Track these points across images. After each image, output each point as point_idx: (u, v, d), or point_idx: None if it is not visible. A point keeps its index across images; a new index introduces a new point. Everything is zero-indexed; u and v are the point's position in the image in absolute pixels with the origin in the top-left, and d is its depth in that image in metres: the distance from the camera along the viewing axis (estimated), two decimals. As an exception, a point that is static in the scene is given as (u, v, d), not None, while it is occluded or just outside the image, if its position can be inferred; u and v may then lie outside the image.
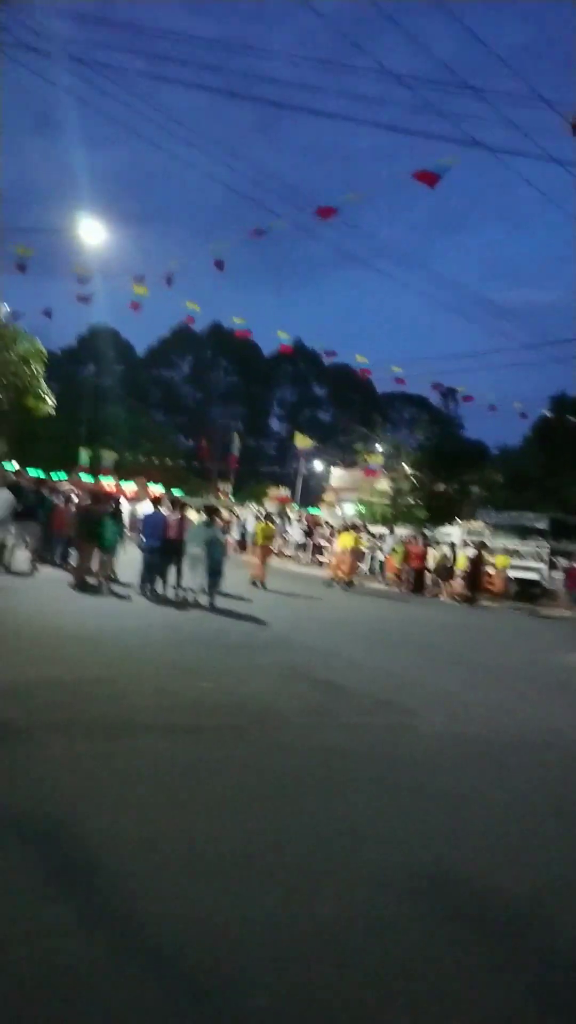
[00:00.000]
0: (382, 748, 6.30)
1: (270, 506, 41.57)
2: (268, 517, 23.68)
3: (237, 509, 38.19)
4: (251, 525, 33.27)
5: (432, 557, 23.98)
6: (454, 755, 6.40)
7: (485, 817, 5.06)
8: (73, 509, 17.31)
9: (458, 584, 23.47)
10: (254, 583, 18.52)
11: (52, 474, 26.96)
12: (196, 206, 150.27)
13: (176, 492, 43.90)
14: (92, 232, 20.60)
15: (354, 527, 26.49)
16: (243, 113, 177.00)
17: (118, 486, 35.86)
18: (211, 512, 16.19)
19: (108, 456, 50.38)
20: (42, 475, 24.02)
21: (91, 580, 14.19)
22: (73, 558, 17.29)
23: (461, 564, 23.64)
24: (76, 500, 18.08)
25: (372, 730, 6.82)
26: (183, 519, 15.26)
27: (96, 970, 2.84)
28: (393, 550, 25.53)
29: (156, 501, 15.99)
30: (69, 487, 21.06)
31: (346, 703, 7.70)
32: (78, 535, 14.98)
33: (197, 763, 5.38)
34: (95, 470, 48.69)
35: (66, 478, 28.64)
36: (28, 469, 35.95)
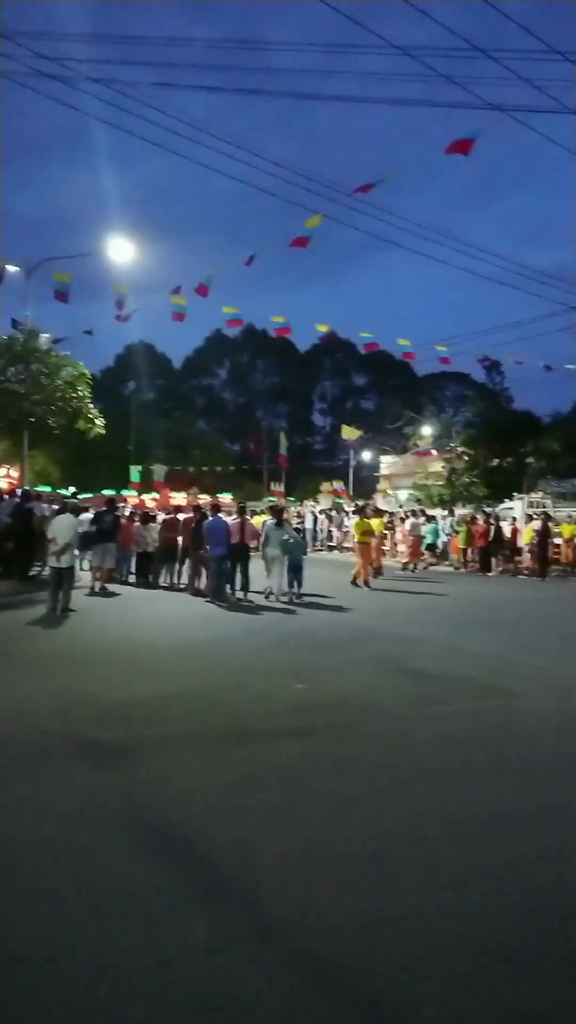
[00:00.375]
0: (496, 732, 6.18)
1: (324, 501, 41.48)
2: (361, 510, 20.81)
3: (298, 507, 38.19)
4: (309, 522, 33.32)
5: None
6: (567, 732, 6.24)
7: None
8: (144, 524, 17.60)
9: (525, 558, 23.10)
10: (355, 583, 17.27)
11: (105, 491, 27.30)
12: (222, 210, 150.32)
13: (226, 496, 44.19)
14: (122, 251, 20.85)
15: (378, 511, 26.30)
16: (258, 110, 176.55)
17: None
18: (278, 512, 16.33)
19: (159, 470, 50.83)
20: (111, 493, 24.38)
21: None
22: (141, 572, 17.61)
23: (528, 538, 23.22)
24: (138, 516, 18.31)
25: (482, 715, 6.70)
26: (244, 523, 15.28)
27: (255, 989, 2.79)
28: (455, 530, 25.19)
29: (216, 508, 16.01)
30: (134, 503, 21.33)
31: (448, 690, 7.59)
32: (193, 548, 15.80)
33: (314, 764, 5.34)
34: (147, 485, 49.23)
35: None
36: (86, 491, 36.59)
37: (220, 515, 15.58)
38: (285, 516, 17.34)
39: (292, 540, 15.53)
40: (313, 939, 3.12)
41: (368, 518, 18.96)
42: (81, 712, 6.59)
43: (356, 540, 18.37)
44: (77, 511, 15.78)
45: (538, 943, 3.13)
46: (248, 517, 16.21)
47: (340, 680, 7.95)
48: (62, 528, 12.83)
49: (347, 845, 4.01)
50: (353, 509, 31.17)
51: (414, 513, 26.90)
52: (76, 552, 15.06)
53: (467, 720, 6.51)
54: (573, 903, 3.46)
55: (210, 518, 15.46)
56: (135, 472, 53.49)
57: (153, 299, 19.96)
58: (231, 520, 15.59)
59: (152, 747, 5.64)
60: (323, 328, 22.87)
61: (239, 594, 14.98)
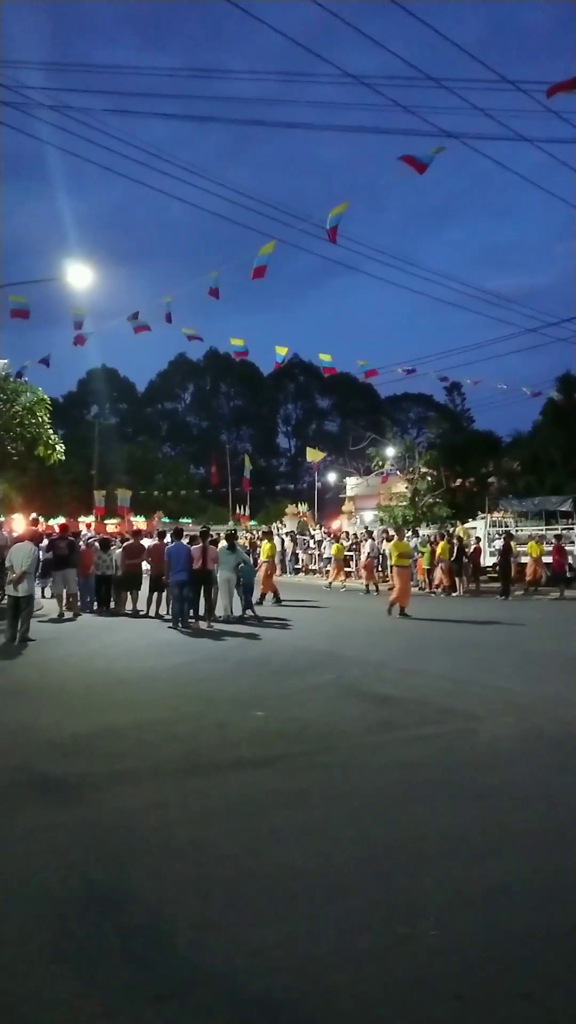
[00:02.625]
0: (455, 757, 6.14)
1: (290, 523, 41.47)
2: (398, 532, 19.87)
3: (255, 532, 38.17)
4: (277, 545, 33.28)
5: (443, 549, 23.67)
6: (528, 754, 6.23)
7: (576, 816, 4.90)
8: (110, 550, 17.42)
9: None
10: (391, 611, 16.21)
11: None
12: (183, 237, 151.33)
13: (186, 520, 44.04)
14: (81, 276, 20.76)
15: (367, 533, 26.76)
16: (215, 137, 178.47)
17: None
18: (230, 537, 16.60)
19: (123, 494, 50.53)
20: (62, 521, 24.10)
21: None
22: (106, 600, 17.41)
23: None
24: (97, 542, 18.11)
25: (442, 739, 6.66)
26: (205, 548, 15.20)
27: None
28: (419, 551, 25.33)
29: (178, 533, 15.94)
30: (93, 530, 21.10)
31: (408, 715, 7.55)
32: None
33: (271, 795, 5.26)
34: (111, 510, 48.91)
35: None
36: (50, 518, 36.17)
37: (181, 541, 15.48)
38: (241, 540, 17.58)
39: (243, 565, 16.06)
40: (262, 981, 3.03)
41: (404, 543, 17.84)
42: (34, 746, 6.43)
43: (393, 563, 17.04)
44: (34, 539, 15.57)
45: (492, 979, 3.07)
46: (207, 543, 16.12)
47: (300, 707, 7.87)
48: (19, 556, 12.64)
49: (301, 880, 3.93)
50: (329, 535, 31.47)
51: (370, 535, 27.05)
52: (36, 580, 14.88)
53: (427, 745, 6.47)
54: (527, 935, 3.42)
55: (170, 543, 15.36)
56: (99, 497, 53.18)
57: (114, 324, 19.87)
58: (195, 546, 15.49)
59: (105, 781, 5.50)
60: (282, 351, 22.90)
61: (202, 621, 14.88)
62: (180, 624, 14.43)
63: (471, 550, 23.83)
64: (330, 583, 26.25)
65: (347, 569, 27.53)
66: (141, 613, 16.62)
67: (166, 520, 41.85)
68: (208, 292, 16.24)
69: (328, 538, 32.83)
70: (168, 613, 15.30)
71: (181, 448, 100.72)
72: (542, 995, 2.95)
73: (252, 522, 45.70)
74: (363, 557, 25.17)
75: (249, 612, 15.90)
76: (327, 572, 30.76)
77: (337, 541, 28.78)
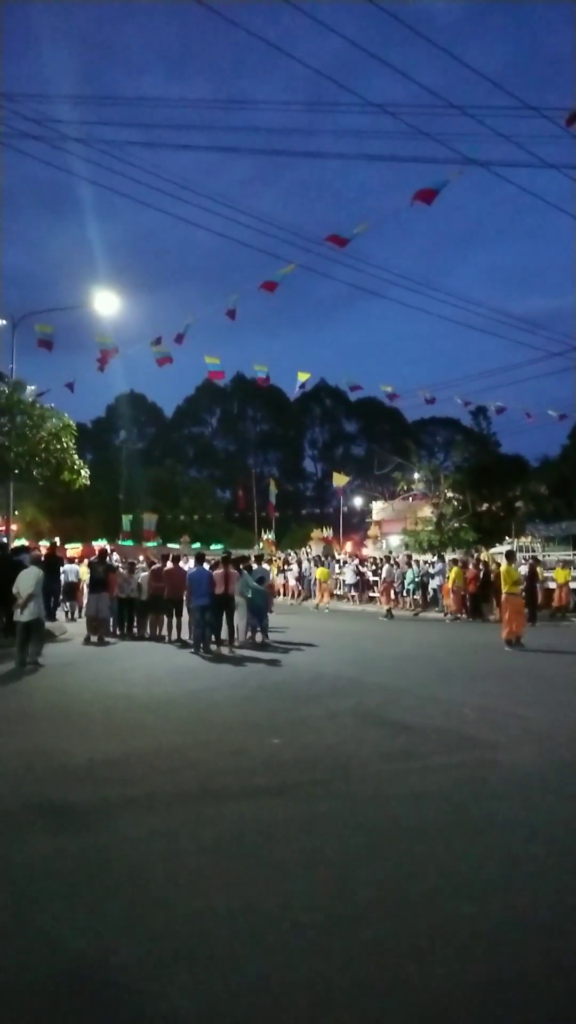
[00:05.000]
0: (472, 788, 6.01)
1: (316, 547, 41.36)
2: (509, 558, 16.86)
3: (291, 554, 38.20)
4: (308, 570, 33.22)
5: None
6: (548, 785, 6.08)
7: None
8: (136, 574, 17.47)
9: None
10: (509, 643, 15.08)
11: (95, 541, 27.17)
12: (209, 264, 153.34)
13: (216, 546, 44.09)
14: (108, 303, 21.13)
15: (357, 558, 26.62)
16: (240, 167, 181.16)
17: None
18: (238, 563, 16.36)
19: (149, 519, 50.80)
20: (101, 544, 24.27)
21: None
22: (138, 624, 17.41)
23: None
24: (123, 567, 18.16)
25: (459, 769, 6.52)
26: (227, 573, 15.18)
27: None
28: (446, 576, 25.12)
29: (200, 558, 15.92)
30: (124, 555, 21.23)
31: (426, 744, 7.42)
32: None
33: (283, 825, 5.17)
34: (138, 535, 49.15)
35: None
36: (82, 542, 36.40)
37: (203, 566, 15.47)
38: (252, 564, 17.51)
39: (252, 589, 15.74)
40: (261, 1017, 2.96)
41: (515, 571, 16.09)
42: (47, 772, 6.40)
43: (506, 592, 15.66)
44: (38, 562, 15.60)
45: (501, 1018, 2.97)
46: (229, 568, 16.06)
47: (317, 734, 7.77)
48: (25, 582, 12.65)
49: (310, 913, 3.84)
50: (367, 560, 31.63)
51: (387, 559, 26.93)
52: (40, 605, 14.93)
53: (443, 775, 6.34)
54: (537, 974, 3.30)
55: (192, 568, 15.36)
56: (126, 522, 53.48)
57: (142, 349, 20.08)
58: (216, 571, 15.48)
59: (117, 809, 5.46)
60: (304, 376, 23.08)
61: (224, 646, 14.84)
62: (202, 649, 14.39)
63: (495, 576, 23.57)
64: (317, 604, 28.34)
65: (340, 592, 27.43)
66: (166, 639, 16.58)
67: (195, 545, 41.86)
68: (225, 313, 16.36)
69: (351, 562, 32.72)
70: (190, 638, 15.26)
71: (208, 472, 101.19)
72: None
73: (259, 546, 45.49)
74: (381, 582, 25.04)
75: (259, 637, 15.78)
76: (351, 597, 30.71)
77: (321, 565, 31.08)
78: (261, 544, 47.41)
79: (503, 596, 16.01)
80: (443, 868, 4.42)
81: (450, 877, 4.29)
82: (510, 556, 17.13)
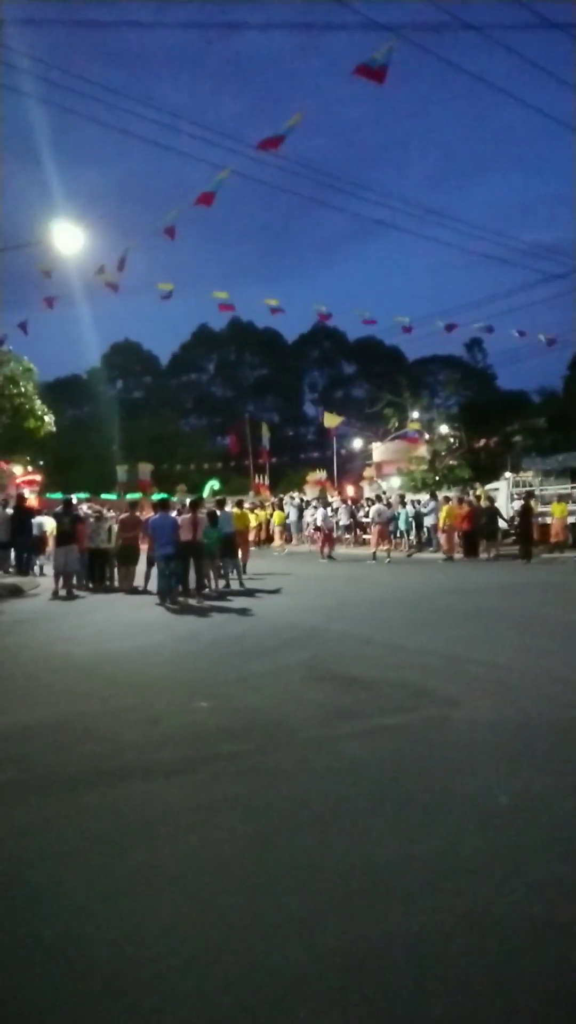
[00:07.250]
0: (414, 755, 5.11)
1: (311, 492, 40.43)
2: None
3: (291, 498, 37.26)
4: (294, 515, 32.29)
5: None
6: (502, 749, 5.18)
7: (545, 836, 3.84)
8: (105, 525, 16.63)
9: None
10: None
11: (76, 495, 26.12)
12: (206, 208, 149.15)
13: (215, 486, 43.25)
14: (71, 238, 19.71)
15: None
16: (238, 100, 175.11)
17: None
18: (194, 507, 15.10)
19: (144, 468, 49.98)
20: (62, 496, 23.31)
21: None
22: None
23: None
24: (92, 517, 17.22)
25: (405, 731, 5.63)
26: (195, 519, 14.21)
27: None
28: (441, 514, 24.15)
29: (164, 504, 14.96)
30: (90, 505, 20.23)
31: (376, 700, 6.52)
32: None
33: (181, 811, 4.27)
34: (133, 485, 48.35)
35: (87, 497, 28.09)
36: (77, 494, 35.61)
37: (168, 512, 14.54)
38: (226, 508, 16.78)
39: (212, 534, 15.38)
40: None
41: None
42: None
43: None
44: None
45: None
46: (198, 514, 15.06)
47: (256, 694, 6.88)
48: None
49: (190, 927, 2.96)
50: (310, 503, 30.79)
51: (378, 499, 25.96)
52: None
53: (386, 739, 5.45)
54: (492, 978, 2.41)
55: (155, 515, 14.43)
56: (121, 471, 52.65)
57: (133, 298, 18.86)
58: (183, 516, 14.54)
59: (-14, 797, 4.59)
60: (320, 307, 22.21)
61: (192, 597, 13.99)
62: (167, 601, 13.53)
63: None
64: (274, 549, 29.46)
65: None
66: (140, 590, 15.74)
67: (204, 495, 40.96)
68: (163, 231, 15.06)
69: (344, 505, 31.80)
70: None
71: (207, 420, 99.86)
72: None
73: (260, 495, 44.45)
74: (372, 523, 24.03)
75: (234, 584, 15.91)
76: (344, 540, 29.83)
77: (280, 509, 32.10)
78: (256, 490, 46.51)
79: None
80: (355, 862, 3.50)
81: (364, 870, 3.38)
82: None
